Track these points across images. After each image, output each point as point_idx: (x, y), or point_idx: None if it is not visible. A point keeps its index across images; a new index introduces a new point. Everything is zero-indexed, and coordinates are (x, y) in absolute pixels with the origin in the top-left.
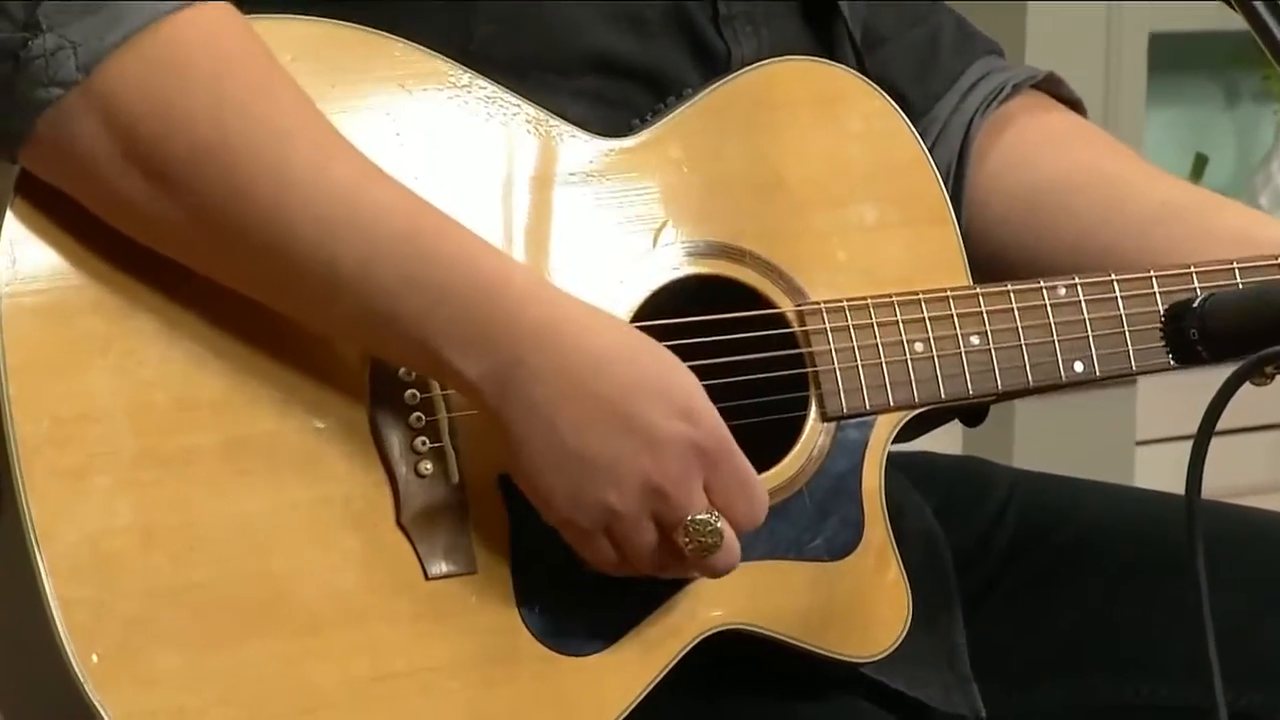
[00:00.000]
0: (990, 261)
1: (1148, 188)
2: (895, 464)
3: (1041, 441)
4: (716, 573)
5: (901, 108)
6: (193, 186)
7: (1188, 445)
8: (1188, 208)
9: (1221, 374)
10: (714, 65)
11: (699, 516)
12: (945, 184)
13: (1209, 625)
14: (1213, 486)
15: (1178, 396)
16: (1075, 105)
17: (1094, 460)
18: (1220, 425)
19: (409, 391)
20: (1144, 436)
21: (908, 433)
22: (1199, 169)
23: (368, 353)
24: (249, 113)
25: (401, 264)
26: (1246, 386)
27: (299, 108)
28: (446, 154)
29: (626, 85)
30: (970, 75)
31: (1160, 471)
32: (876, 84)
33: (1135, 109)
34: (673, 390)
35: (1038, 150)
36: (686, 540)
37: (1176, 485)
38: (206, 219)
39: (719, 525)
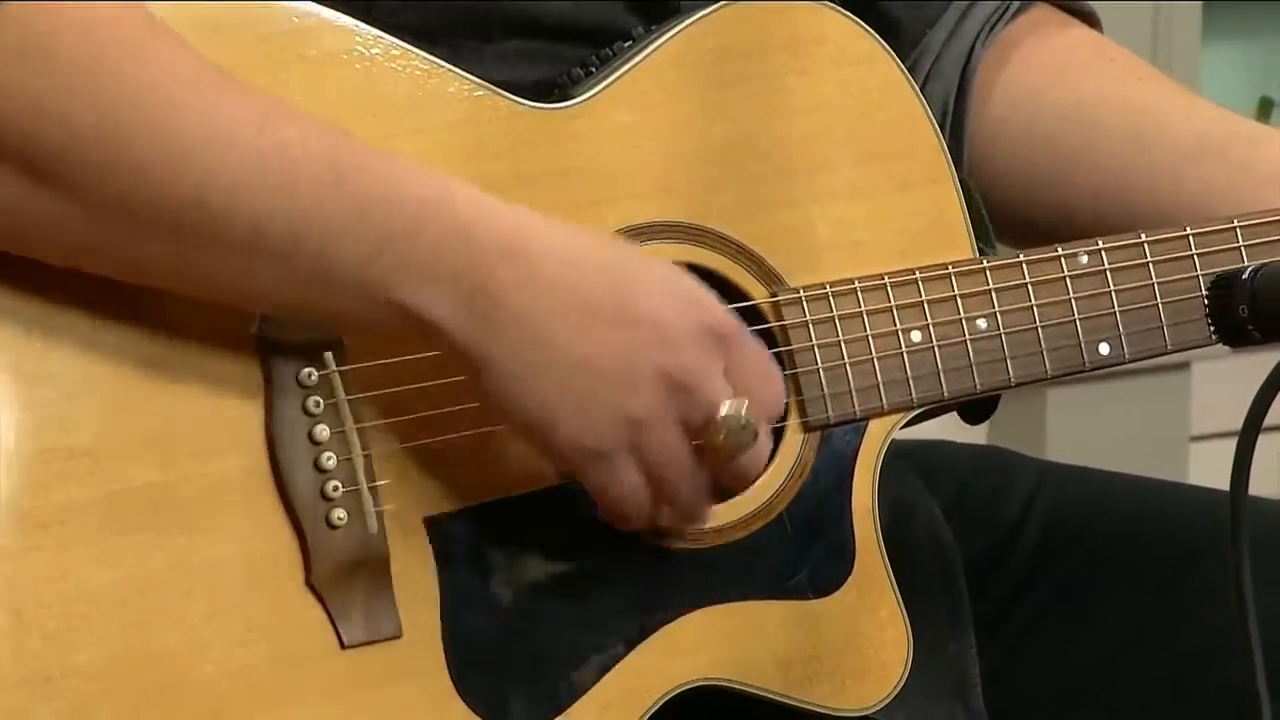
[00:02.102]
0: (995, 217)
1: (1180, 118)
2: (901, 454)
3: (1079, 437)
4: (748, 479)
5: (893, 40)
6: (76, 177)
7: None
8: (1227, 140)
9: None
10: (662, 15)
11: (729, 411)
12: (942, 126)
13: (1257, 651)
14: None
15: (1239, 385)
16: (1089, 18)
17: (1141, 459)
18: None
19: (318, 426)
20: (1200, 431)
21: (905, 422)
22: (1264, 114)
23: (319, 321)
24: (127, 79)
25: (331, 214)
26: None
27: (183, 60)
28: (357, 133)
29: (560, 46)
30: None
31: (1219, 473)
32: (860, 15)
33: (1189, 44)
34: (668, 278)
35: (1050, 79)
36: (721, 437)
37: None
38: (99, 212)
39: (751, 418)
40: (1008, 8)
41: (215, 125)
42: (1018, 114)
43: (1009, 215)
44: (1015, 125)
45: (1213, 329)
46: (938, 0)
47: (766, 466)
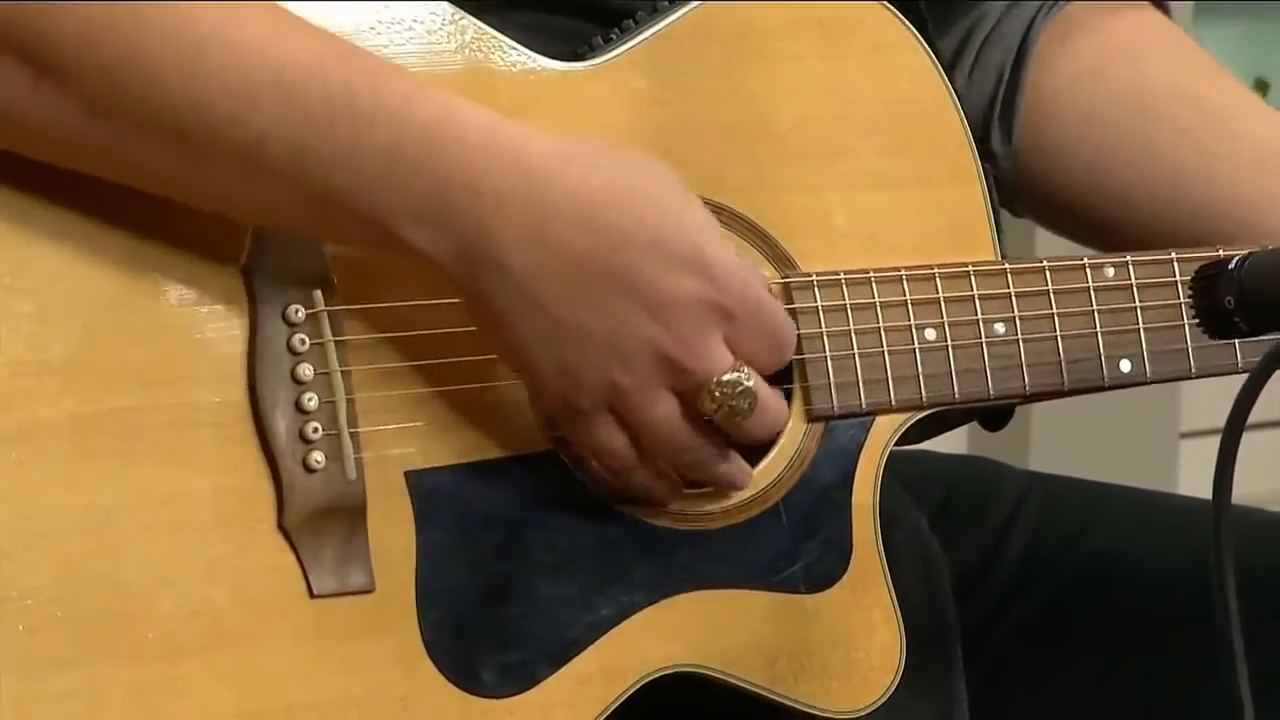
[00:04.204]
0: (1039, 197)
1: (1246, 124)
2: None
3: (1064, 435)
4: (758, 439)
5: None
6: (83, 71)
7: (1247, 437)
8: None
9: None
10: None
11: (725, 378)
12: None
13: (1242, 671)
14: (1267, 491)
15: (1230, 379)
16: (1159, 3)
17: (1129, 456)
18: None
19: (302, 365)
20: (1190, 428)
21: (912, 435)
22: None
23: (316, 237)
24: None
25: (338, 130)
26: None
27: None
28: None
29: (584, 25)
30: None
31: (1211, 471)
32: None
33: (1180, 24)
34: (677, 238)
35: (1115, 62)
36: (714, 406)
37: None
38: (102, 110)
39: (750, 384)
40: None
41: (233, 29)
42: (1077, 93)
43: (1057, 194)
44: (1073, 104)
45: (1198, 321)
46: None
47: (765, 454)
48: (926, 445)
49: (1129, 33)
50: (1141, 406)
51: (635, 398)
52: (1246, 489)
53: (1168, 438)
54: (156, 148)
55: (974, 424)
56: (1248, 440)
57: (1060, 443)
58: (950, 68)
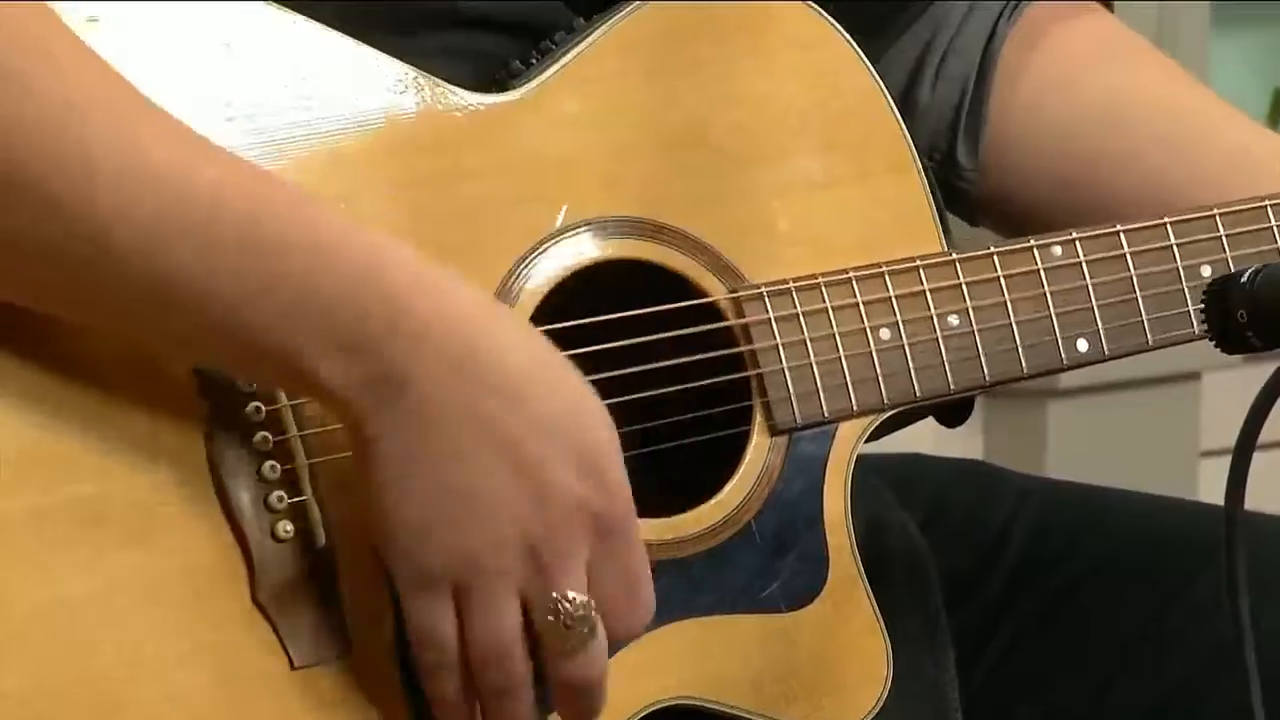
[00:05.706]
0: (1003, 211)
1: (1223, 128)
2: (874, 469)
3: (1082, 451)
4: (569, 682)
5: None
6: None
7: (1268, 456)
8: (1270, 156)
9: None
10: (596, 7)
11: (575, 599)
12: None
13: (1255, 680)
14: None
15: (1252, 396)
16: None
17: (1147, 475)
18: None
19: (260, 434)
20: (1210, 446)
21: (874, 433)
22: (1279, 108)
23: (215, 368)
24: (32, 90)
25: (247, 260)
26: None
27: (94, 74)
28: (282, 125)
29: (494, 40)
30: None
31: None
32: None
33: (1197, 33)
34: (584, 441)
35: (1084, 71)
36: (551, 622)
37: (1251, 506)
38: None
39: (594, 618)
40: None
41: (128, 147)
42: (1048, 105)
43: (1027, 207)
44: (1045, 117)
45: (1210, 336)
46: None
47: (731, 474)
48: (932, 445)
49: (1094, 40)
50: (1161, 425)
51: (485, 583)
52: (1258, 508)
53: (1187, 456)
54: (49, 278)
55: (990, 441)
56: (1263, 459)
57: (1078, 463)
58: (911, 79)
